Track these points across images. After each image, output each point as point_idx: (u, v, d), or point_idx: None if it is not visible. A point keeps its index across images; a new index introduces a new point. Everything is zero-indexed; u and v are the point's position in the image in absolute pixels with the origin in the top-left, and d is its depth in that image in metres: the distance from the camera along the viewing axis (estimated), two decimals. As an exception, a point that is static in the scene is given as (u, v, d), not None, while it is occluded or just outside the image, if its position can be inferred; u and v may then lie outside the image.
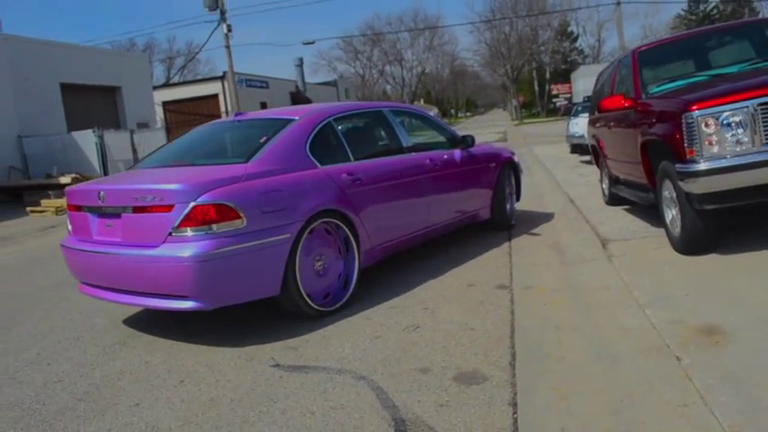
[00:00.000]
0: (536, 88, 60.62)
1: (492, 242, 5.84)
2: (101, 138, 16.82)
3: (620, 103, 5.29)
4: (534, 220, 6.79)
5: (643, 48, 5.71)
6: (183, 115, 34.65)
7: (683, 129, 4.10)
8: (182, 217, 3.53)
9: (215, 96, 36.17)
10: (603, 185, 7.30)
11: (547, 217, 6.97)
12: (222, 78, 35.26)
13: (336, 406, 2.78)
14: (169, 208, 3.57)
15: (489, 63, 63.21)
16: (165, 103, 35.34)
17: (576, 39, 63.41)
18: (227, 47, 31.30)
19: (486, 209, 6.12)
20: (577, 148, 14.19)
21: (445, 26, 75.48)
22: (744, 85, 4.12)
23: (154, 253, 3.58)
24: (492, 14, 57.14)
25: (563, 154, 15.38)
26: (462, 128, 56.23)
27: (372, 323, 3.87)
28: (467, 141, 5.83)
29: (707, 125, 4.02)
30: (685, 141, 4.10)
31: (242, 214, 3.61)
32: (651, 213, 5.67)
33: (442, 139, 5.93)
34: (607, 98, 5.53)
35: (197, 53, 58.30)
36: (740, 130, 3.96)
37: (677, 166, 4.21)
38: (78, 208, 4.18)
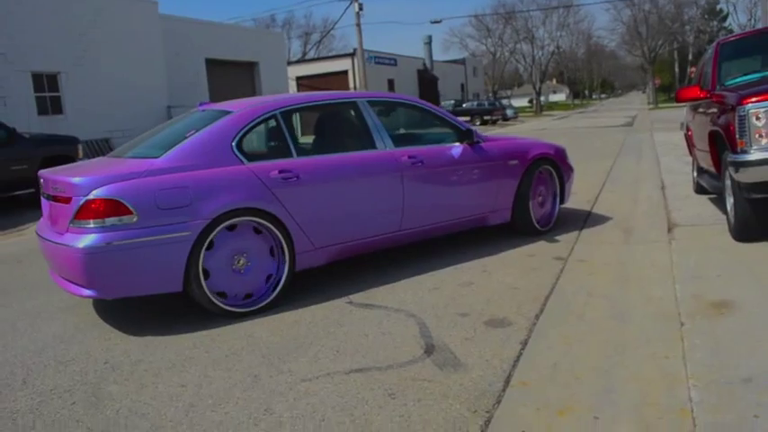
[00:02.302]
0: (676, 70, 57.37)
1: (568, 221, 6.30)
2: (237, 110, 18.51)
3: (695, 93, 5.58)
4: (618, 204, 7.14)
5: (728, 39, 5.91)
6: (314, 90, 36.53)
7: (736, 120, 4.42)
8: (76, 209, 3.69)
9: (344, 73, 37.68)
10: (694, 174, 7.46)
11: (632, 201, 7.29)
12: (352, 55, 36.64)
13: (386, 332, 3.57)
14: (68, 200, 3.78)
15: (627, 42, 60.50)
16: (298, 78, 37.38)
17: (725, 18, 59.22)
18: (358, 25, 32.50)
19: (504, 211, 5.53)
20: (694, 137, 13.88)
21: (580, 5, 72.90)
22: (799, 83, 4.36)
23: (59, 241, 3.82)
24: (632, -9, 54.52)
25: (682, 142, 15.05)
26: (593, 111, 54.62)
27: (434, 278, 4.60)
28: (470, 136, 5.28)
29: (758, 118, 4.32)
30: (737, 132, 4.43)
31: (133, 210, 3.66)
32: (726, 203, 5.91)
33: (444, 132, 5.42)
34: (685, 88, 5.81)
35: (330, 30, 60.53)
36: (789, 126, 4.23)
37: (729, 155, 4.54)
38: (42, 192, 4.39)
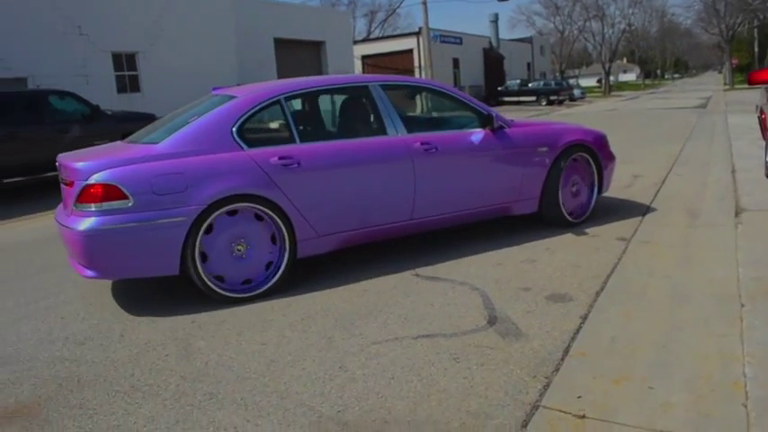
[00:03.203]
0: (756, 50, 54.60)
1: (632, 204, 6.32)
2: (304, 88, 18.93)
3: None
4: (685, 187, 7.08)
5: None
6: (379, 69, 36.62)
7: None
8: (78, 193, 3.83)
9: (410, 51, 37.58)
10: (766, 158, 7.29)
11: (701, 184, 7.20)
12: (417, 34, 36.45)
13: (450, 303, 3.78)
14: (72, 184, 3.93)
15: (704, 20, 57.96)
16: (363, 57, 37.52)
17: (813, -7, 55.72)
18: (424, 3, 32.29)
19: (531, 201, 5.26)
20: (772, 119, 13.36)
21: (656, -20, 70.08)
22: None
23: (66, 224, 3.95)
24: (711, -34, 52.06)
25: (757, 125, 14.53)
26: (665, 91, 52.73)
27: (499, 255, 4.76)
28: (491, 121, 5.00)
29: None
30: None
31: (128, 194, 3.75)
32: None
33: (465, 117, 5.19)
34: (758, 71, 5.72)
35: (396, 9, 60.32)
36: None
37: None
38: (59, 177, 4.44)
